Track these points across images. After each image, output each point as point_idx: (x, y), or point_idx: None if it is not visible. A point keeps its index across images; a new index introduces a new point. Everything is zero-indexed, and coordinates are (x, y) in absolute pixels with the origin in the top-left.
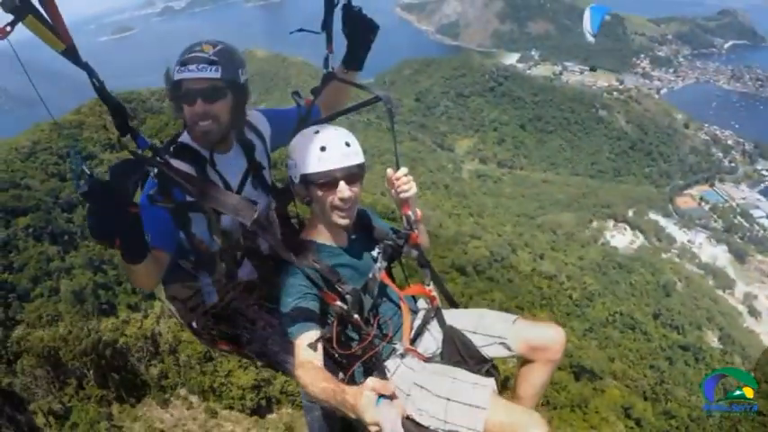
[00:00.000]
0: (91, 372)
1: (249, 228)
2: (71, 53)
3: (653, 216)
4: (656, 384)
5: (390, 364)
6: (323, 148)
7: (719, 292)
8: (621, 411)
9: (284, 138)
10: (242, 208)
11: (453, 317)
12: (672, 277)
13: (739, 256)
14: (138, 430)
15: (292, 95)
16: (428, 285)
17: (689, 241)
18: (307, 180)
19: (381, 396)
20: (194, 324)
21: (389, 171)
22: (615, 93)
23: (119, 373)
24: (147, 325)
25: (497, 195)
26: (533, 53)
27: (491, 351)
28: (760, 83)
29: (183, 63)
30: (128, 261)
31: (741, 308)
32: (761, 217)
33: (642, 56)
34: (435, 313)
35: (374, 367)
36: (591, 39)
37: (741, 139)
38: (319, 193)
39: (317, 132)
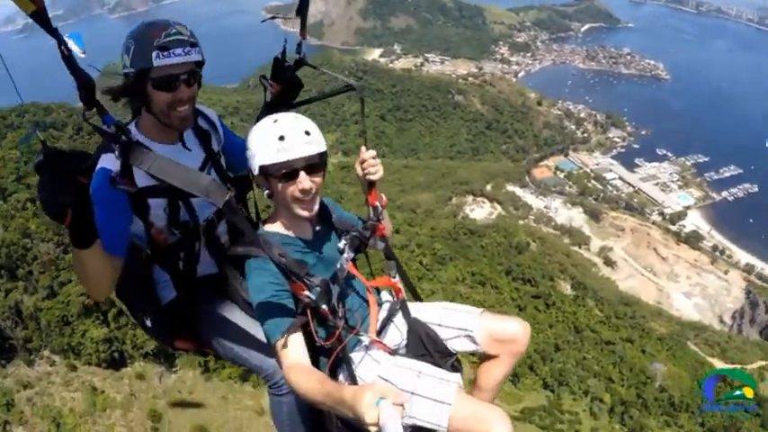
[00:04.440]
0: None
1: (221, 209)
2: (41, 16)
3: (510, 188)
4: None
5: (356, 355)
6: (281, 138)
7: (575, 248)
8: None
9: (231, 163)
10: (213, 189)
11: (418, 310)
12: (525, 238)
13: (594, 216)
14: (8, 384)
15: (261, 80)
16: (394, 277)
17: (545, 207)
18: (266, 171)
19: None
20: (148, 322)
21: (363, 148)
22: (470, 78)
23: None
24: (11, 297)
25: (359, 184)
26: (395, 47)
27: (456, 344)
28: (613, 60)
29: (165, 48)
30: (78, 245)
31: (596, 259)
32: (613, 179)
33: (501, 43)
34: (401, 305)
35: (340, 359)
36: (82, 55)
37: (593, 111)
38: (279, 184)
39: (276, 121)
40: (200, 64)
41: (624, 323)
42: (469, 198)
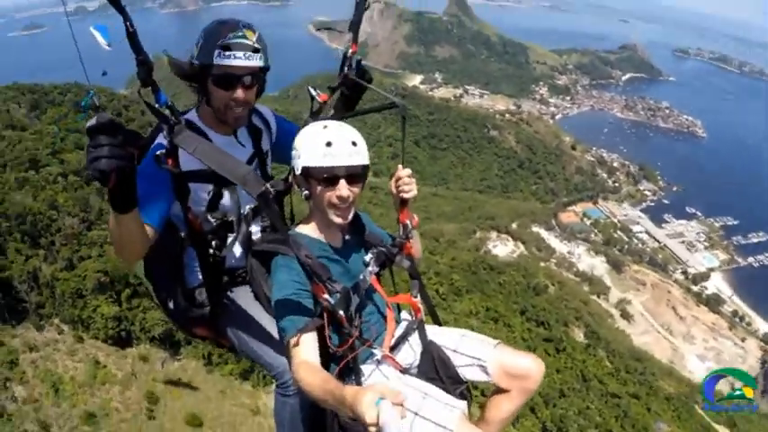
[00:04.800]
0: None
1: (256, 199)
2: None
3: (536, 229)
4: None
5: (366, 368)
6: (329, 144)
7: (593, 297)
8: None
9: (282, 151)
10: (251, 179)
11: (435, 333)
12: (544, 280)
13: (616, 266)
14: (15, 344)
15: (308, 90)
16: (415, 297)
17: (569, 252)
18: (308, 173)
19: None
20: (170, 305)
21: (399, 166)
22: (507, 115)
23: (3, 299)
24: (31, 262)
25: (387, 207)
26: (437, 76)
27: (468, 373)
28: (652, 112)
29: (227, 48)
30: (117, 209)
31: (613, 311)
32: (640, 232)
33: (541, 83)
34: (418, 325)
35: (350, 369)
36: (107, 47)
37: (627, 162)
38: (319, 188)
39: (326, 127)
40: (263, 69)
41: (633, 378)
42: (494, 234)
